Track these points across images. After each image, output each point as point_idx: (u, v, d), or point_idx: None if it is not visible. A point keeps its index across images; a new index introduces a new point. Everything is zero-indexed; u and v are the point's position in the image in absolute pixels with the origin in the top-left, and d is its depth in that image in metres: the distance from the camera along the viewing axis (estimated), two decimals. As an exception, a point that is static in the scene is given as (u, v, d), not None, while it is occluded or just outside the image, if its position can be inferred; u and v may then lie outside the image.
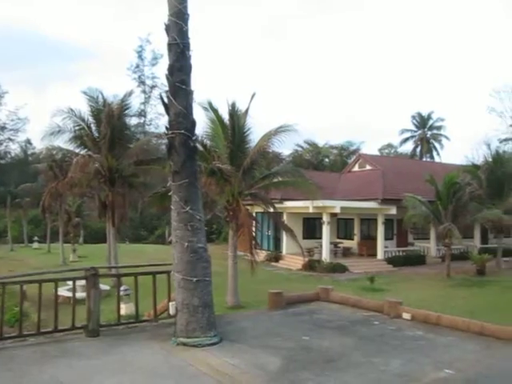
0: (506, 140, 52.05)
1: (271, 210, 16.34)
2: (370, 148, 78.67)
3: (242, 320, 8.81)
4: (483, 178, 22.97)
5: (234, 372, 5.69)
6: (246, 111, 15.12)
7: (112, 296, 11.15)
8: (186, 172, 6.98)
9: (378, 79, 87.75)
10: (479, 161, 25.63)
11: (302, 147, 52.23)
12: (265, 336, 7.52)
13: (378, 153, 53.40)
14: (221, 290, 14.77)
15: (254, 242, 14.91)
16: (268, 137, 14.72)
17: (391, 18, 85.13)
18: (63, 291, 13.46)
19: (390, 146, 59.75)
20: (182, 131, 6.97)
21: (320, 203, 21.61)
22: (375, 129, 79.10)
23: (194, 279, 6.82)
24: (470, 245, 26.40)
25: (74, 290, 7.42)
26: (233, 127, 14.78)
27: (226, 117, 15.09)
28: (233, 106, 14.87)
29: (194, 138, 7.27)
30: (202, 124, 15.08)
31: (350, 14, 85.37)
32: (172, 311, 7.13)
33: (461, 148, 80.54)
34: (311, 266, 22.90)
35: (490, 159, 24.18)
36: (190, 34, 7.34)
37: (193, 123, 7.18)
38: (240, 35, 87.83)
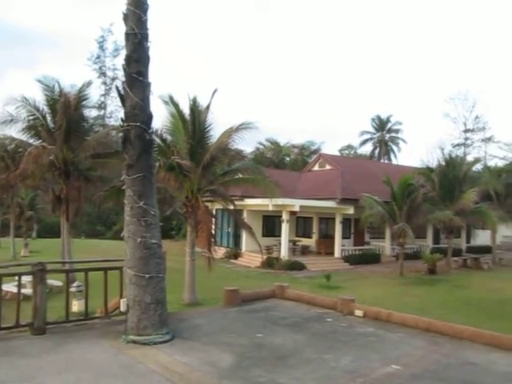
0: (458, 145, 54.63)
1: (231, 207, 16.26)
2: (331, 148, 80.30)
3: (196, 317, 8.73)
4: (436, 181, 23.77)
5: (184, 370, 5.61)
6: (208, 107, 14.93)
7: (65, 292, 10.77)
8: (140, 166, 6.82)
9: (340, 81, 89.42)
10: (433, 164, 26.49)
11: (263, 145, 52.50)
12: (218, 333, 7.48)
13: (338, 153, 54.42)
14: (178, 286, 14.59)
15: (212, 239, 14.77)
16: (229, 133, 14.58)
17: (353, 22, 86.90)
18: (12, 287, 12.88)
19: (350, 147, 61.06)
20: (138, 124, 6.80)
21: (280, 201, 21.73)
22: (336, 130, 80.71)
23: (147, 275, 6.68)
24: (422, 244, 27.38)
25: (19, 285, 7.13)
26: (193, 122, 14.55)
27: (187, 112, 14.86)
28: (194, 100, 14.64)
29: (150, 131, 7.11)
30: (162, 118, 14.80)
31: (314, 15, 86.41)
32: (123, 308, 6.95)
33: (417, 151, 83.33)
34: (270, 263, 23.04)
35: (443, 163, 25.02)
36: (152, 26, 7.18)
37: (149, 116, 7.01)
38: (205, 34, 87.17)
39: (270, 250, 24.59)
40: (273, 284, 11.37)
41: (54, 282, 14.64)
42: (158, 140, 14.67)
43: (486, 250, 28.71)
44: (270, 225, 27.56)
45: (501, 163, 45.21)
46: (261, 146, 52.27)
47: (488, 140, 54.16)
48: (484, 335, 7.42)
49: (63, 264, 15.65)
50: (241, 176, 16.32)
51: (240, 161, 16.94)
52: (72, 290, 12.20)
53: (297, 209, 23.86)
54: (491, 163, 45.43)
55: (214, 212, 24.39)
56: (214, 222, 16.86)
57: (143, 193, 6.83)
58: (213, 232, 14.69)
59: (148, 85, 7.07)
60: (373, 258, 25.68)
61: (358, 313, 8.87)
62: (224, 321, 8.43)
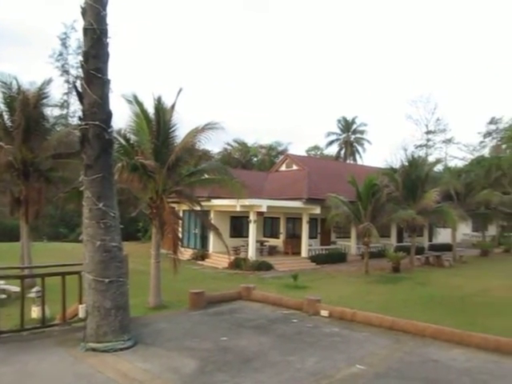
0: (420, 146, 56.31)
1: (197, 208, 16.04)
2: (298, 149, 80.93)
3: (160, 321, 8.51)
4: (400, 181, 24.31)
5: (144, 377, 5.42)
6: (173, 106, 14.66)
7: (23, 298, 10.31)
8: (99, 166, 6.57)
9: (306, 83, 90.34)
10: (397, 164, 27.06)
11: (231, 146, 52.36)
12: (182, 338, 7.30)
13: (305, 154, 54.92)
14: (144, 289, 14.27)
15: (178, 241, 14.51)
16: (194, 133, 14.37)
17: (318, 24, 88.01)
18: (-36, 294, 12.28)
19: (316, 147, 61.74)
20: (97, 122, 6.55)
21: (247, 202, 21.63)
22: (303, 131, 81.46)
23: (106, 280, 6.44)
24: (387, 243, 27.95)
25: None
26: (158, 122, 14.25)
27: (151, 111, 14.55)
28: (159, 99, 14.34)
29: (109, 130, 6.85)
30: (126, 117, 14.45)
31: (280, 16, 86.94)
32: (82, 314, 6.67)
33: (381, 151, 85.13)
34: (237, 264, 22.92)
35: (406, 163, 25.61)
36: (113, 22, 6.95)
37: (108, 114, 6.76)
38: (171, 34, 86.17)
39: (238, 251, 24.48)
40: (240, 285, 11.26)
41: (12, 287, 14.07)
42: (121, 140, 14.31)
43: (447, 247, 29.58)
44: (238, 225, 27.45)
45: (460, 164, 47.07)
46: (228, 147, 52.16)
47: (448, 141, 56.22)
48: (445, 332, 7.57)
49: (22, 269, 15.03)
50: (207, 177, 16.13)
51: (207, 161, 16.75)
52: (31, 295, 11.74)
53: (264, 209, 23.84)
54: (451, 164, 47.18)
55: (180, 213, 24.08)
56: (180, 224, 16.58)
57: (102, 194, 6.58)
58: (179, 234, 14.44)
59: (107, 82, 6.82)
60: (339, 258, 26.01)
61: (324, 313, 8.88)
62: (188, 324, 8.25)
